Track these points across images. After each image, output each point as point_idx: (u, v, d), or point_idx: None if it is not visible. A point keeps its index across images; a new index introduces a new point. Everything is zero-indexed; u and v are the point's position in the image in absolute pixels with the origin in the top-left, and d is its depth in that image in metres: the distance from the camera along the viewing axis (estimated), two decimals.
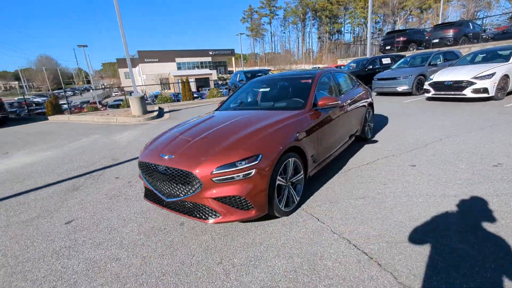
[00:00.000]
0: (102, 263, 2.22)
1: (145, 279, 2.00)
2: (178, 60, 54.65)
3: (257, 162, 2.25)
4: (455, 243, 2.01)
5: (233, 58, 60.11)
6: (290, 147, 2.58)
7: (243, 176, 2.21)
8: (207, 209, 2.30)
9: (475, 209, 2.43)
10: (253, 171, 2.22)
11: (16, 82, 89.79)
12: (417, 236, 2.14)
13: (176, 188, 2.40)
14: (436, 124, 5.55)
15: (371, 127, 4.97)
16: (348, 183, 3.23)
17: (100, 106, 25.74)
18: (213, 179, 2.20)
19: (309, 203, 2.84)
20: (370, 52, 15.35)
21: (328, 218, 2.53)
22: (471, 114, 6.11)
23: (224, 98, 10.58)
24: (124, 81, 57.33)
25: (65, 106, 26.60)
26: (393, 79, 9.82)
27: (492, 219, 2.25)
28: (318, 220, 2.52)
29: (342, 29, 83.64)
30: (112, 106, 23.17)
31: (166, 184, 2.46)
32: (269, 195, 2.35)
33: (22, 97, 24.20)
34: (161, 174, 2.48)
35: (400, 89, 9.62)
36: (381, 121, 6.26)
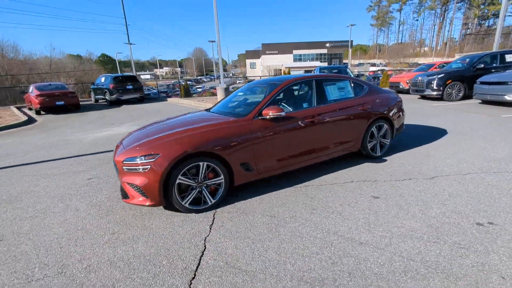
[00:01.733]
0: (68, 210, 3.09)
1: (71, 228, 2.69)
2: (295, 52, 55.67)
3: (153, 160, 2.53)
4: None
5: (349, 50, 55.94)
6: (205, 152, 2.68)
7: (142, 170, 2.56)
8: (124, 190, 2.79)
9: (343, 267, 1.88)
10: (149, 167, 2.52)
11: (179, 69, 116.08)
12: (249, 268, 1.92)
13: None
14: (496, 152, 3.90)
15: (384, 144, 4.04)
16: (284, 199, 2.96)
17: None
18: (123, 167, 2.65)
19: (227, 208, 2.86)
20: (497, 45, 10.93)
21: (220, 226, 2.54)
22: None
23: None
24: (249, 70, 63.45)
25: (199, 90, 32.66)
26: (502, 84, 6.96)
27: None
28: (212, 224, 2.57)
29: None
30: None
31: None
32: (166, 190, 2.60)
33: (177, 80, 32.16)
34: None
35: (509, 97, 6.79)
36: (429, 137, 4.88)
